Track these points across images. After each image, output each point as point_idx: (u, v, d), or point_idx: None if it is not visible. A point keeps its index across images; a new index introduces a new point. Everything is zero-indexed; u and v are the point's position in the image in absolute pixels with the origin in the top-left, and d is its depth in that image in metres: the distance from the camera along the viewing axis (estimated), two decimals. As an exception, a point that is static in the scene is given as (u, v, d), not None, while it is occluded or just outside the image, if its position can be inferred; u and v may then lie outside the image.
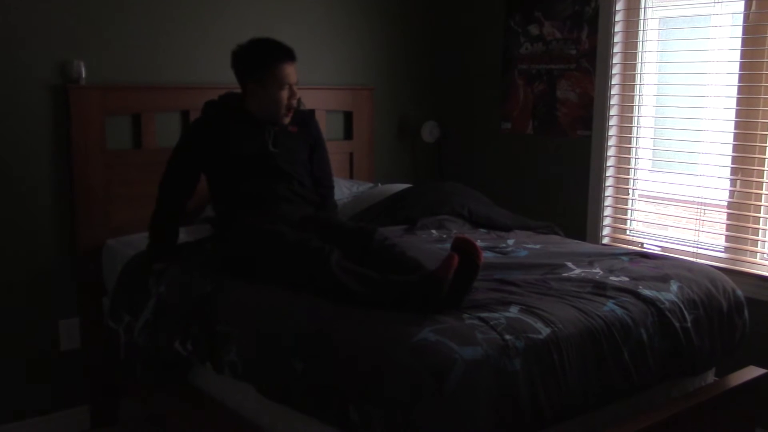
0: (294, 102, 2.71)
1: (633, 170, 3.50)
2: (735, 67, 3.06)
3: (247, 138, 2.69)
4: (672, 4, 3.34)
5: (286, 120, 2.74)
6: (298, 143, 2.81)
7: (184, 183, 2.73)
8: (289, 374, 2.01)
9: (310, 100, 3.64)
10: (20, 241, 2.95)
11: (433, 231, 3.01)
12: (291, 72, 2.66)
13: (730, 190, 3.12)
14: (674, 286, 2.38)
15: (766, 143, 2.99)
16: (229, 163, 2.69)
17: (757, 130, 3.02)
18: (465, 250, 2.07)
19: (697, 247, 3.24)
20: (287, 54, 2.66)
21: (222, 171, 2.72)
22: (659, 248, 3.36)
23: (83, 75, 2.97)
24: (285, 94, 2.66)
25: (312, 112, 2.94)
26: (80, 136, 2.99)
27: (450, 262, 2.02)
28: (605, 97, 3.47)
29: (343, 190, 3.47)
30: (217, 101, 2.77)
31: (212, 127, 2.70)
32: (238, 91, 2.77)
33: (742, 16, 3.02)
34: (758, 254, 3.06)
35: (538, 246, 2.79)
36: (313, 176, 2.90)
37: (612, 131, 3.50)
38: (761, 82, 2.99)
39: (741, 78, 3.04)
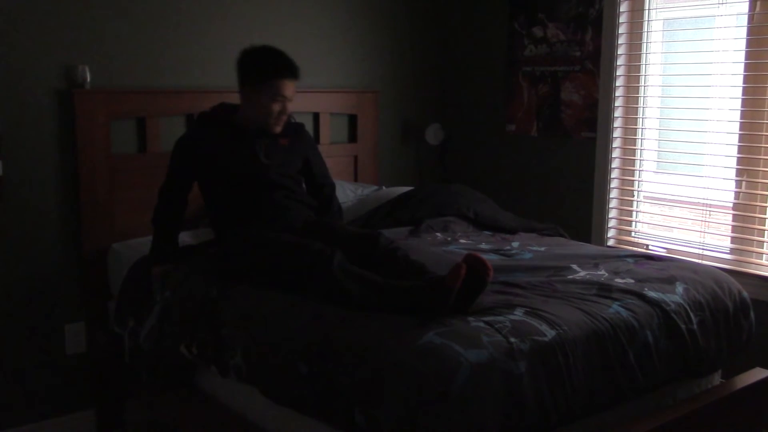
0: (284, 115, 2.70)
1: (638, 172, 3.50)
2: (739, 68, 3.06)
3: (237, 152, 2.68)
4: (676, 5, 3.33)
5: (276, 129, 2.72)
6: (289, 155, 2.80)
7: (176, 194, 2.75)
8: (294, 377, 2.01)
9: (314, 103, 3.65)
10: (26, 245, 2.96)
11: (438, 234, 3.01)
12: (289, 87, 2.65)
13: (736, 192, 3.12)
14: (680, 288, 2.38)
15: (771, 144, 2.99)
16: (220, 178, 2.71)
17: (762, 131, 3.01)
18: (475, 267, 2.05)
19: (703, 249, 3.23)
20: (290, 71, 2.65)
21: (214, 185, 2.73)
22: (664, 250, 3.35)
23: (88, 79, 2.98)
24: (277, 106, 2.65)
25: (301, 125, 2.95)
26: (85, 140, 3.00)
27: (458, 272, 2.01)
28: (610, 98, 3.47)
29: (348, 192, 3.47)
30: (208, 113, 2.78)
31: (198, 143, 2.71)
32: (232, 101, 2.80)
33: (746, 17, 3.02)
34: (764, 255, 3.06)
35: (543, 248, 2.79)
36: (315, 183, 2.95)
37: (617, 133, 3.50)
38: (766, 83, 2.98)
39: (745, 79, 3.04)
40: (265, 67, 2.64)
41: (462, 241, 2.90)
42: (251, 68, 2.66)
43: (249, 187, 2.69)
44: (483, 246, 2.82)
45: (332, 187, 3.02)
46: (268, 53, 2.68)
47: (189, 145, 2.72)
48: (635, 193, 3.52)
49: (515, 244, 2.85)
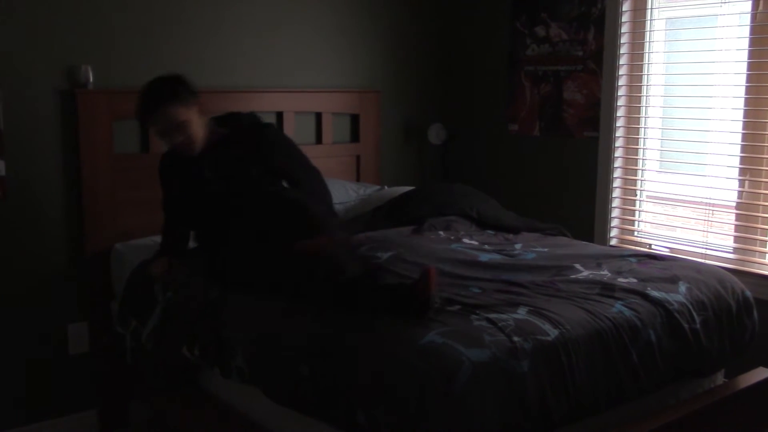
0: (182, 141, 2.53)
1: (640, 171, 3.49)
2: (742, 67, 3.05)
3: (189, 169, 2.67)
4: (679, 4, 3.33)
5: (191, 153, 2.59)
6: (243, 162, 2.64)
7: (171, 208, 2.77)
8: (296, 378, 2.01)
9: (316, 103, 3.66)
10: (29, 245, 2.97)
11: (441, 232, 3.01)
12: (160, 120, 2.50)
13: (739, 191, 3.11)
14: (683, 288, 2.37)
15: (774, 143, 2.99)
16: (180, 193, 2.71)
17: (765, 130, 3.00)
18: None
19: (706, 248, 3.22)
20: (147, 111, 2.51)
21: (184, 200, 2.73)
22: (667, 249, 3.35)
23: (91, 80, 2.99)
24: (168, 138, 2.54)
25: (258, 129, 2.73)
26: (88, 140, 3.00)
27: (429, 278, 2.01)
28: (612, 98, 3.46)
29: (350, 192, 3.47)
30: None
31: (166, 162, 2.74)
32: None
33: (749, 15, 3.01)
34: (767, 255, 3.05)
35: (546, 249, 2.78)
36: (292, 183, 2.73)
37: (619, 132, 3.50)
38: (769, 82, 2.98)
39: (748, 78, 3.03)
40: (136, 110, 2.57)
41: (465, 240, 2.90)
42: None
43: (205, 200, 2.65)
44: (486, 246, 2.81)
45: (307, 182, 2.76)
46: (140, 94, 2.55)
47: (162, 165, 2.76)
48: (638, 192, 3.51)
49: (518, 245, 2.85)
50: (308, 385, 1.98)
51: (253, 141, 2.69)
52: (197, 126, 2.56)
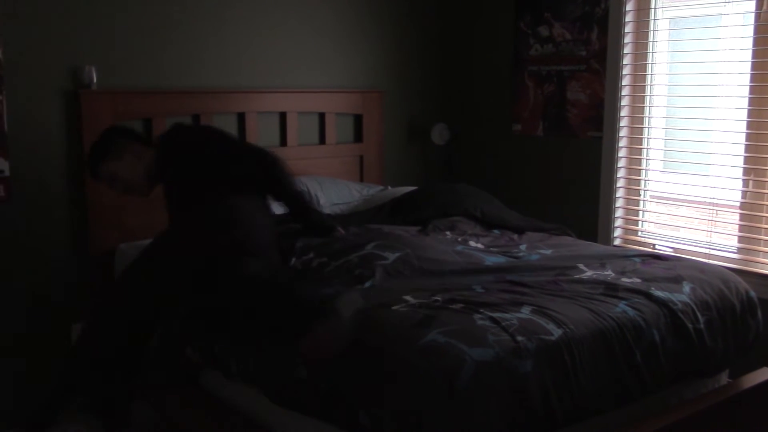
0: (124, 191, 2.70)
1: (644, 171, 3.49)
2: (746, 67, 3.05)
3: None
4: (682, 4, 3.32)
5: (141, 196, 2.74)
6: (185, 187, 2.64)
7: None
8: (295, 380, 2.01)
9: (320, 103, 3.66)
10: (33, 245, 2.97)
11: (447, 232, 3.00)
12: (101, 179, 2.68)
13: (743, 191, 3.11)
14: (686, 288, 2.37)
15: (778, 143, 2.98)
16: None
17: (769, 130, 3.00)
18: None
19: (710, 248, 3.22)
20: (91, 175, 2.70)
21: None
22: (671, 249, 3.34)
23: (95, 80, 2.99)
24: (115, 189, 2.71)
25: (170, 142, 2.66)
26: (92, 140, 2.99)
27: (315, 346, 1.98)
28: (616, 97, 3.46)
29: (353, 192, 3.47)
30: None
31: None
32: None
33: (753, 15, 3.01)
34: (771, 255, 3.05)
35: (549, 251, 2.76)
36: None
37: (623, 132, 3.49)
38: (773, 82, 2.97)
39: (752, 78, 3.03)
40: None
41: (471, 243, 2.87)
42: None
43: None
44: (492, 249, 2.80)
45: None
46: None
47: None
48: (642, 192, 3.51)
49: (523, 246, 2.84)
50: (307, 387, 1.98)
51: (177, 155, 2.63)
52: (130, 171, 2.66)
